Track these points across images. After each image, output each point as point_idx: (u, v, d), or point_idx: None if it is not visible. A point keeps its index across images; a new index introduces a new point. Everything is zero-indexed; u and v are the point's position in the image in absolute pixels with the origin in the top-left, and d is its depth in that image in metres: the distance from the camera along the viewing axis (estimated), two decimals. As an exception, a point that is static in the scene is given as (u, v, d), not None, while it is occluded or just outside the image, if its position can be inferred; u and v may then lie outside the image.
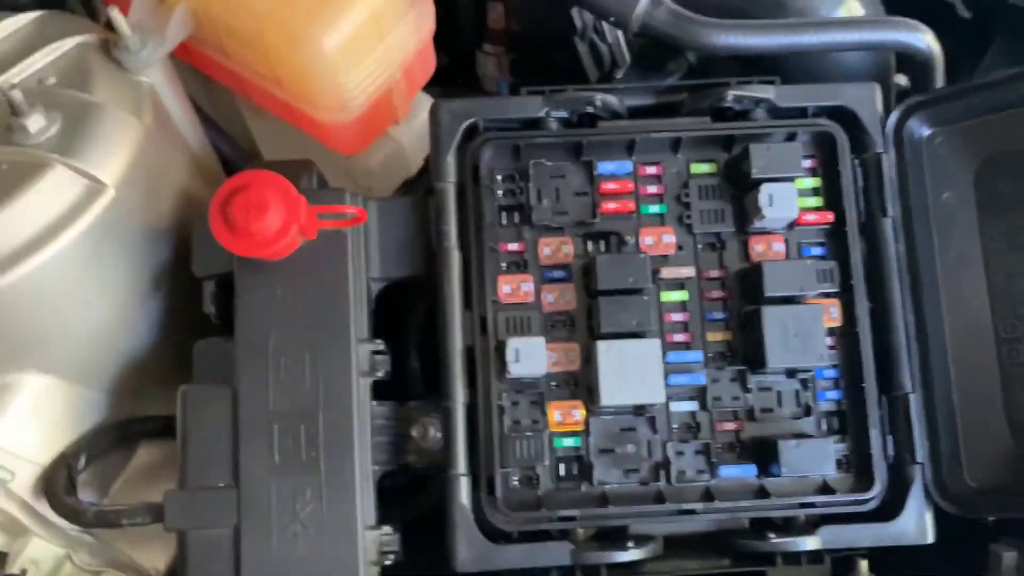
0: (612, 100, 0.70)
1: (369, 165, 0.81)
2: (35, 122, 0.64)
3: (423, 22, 0.74)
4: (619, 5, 0.69)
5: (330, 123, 0.73)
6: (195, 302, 0.69)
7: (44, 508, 0.69)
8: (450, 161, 0.68)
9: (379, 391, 0.69)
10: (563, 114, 0.70)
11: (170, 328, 0.73)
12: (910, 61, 0.72)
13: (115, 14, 0.69)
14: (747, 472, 0.67)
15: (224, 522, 0.64)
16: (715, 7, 0.83)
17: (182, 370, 0.69)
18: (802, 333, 0.66)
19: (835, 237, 0.70)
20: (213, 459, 0.65)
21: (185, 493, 0.64)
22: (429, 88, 1.05)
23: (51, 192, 0.64)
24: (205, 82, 0.84)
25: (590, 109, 0.70)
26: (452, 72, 1.03)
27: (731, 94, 0.68)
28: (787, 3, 0.80)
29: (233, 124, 0.87)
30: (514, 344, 0.66)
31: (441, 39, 0.80)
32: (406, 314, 0.77)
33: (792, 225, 0.70)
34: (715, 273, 0.70)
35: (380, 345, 0.68)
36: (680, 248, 0.70)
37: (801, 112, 0.71)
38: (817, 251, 0.70)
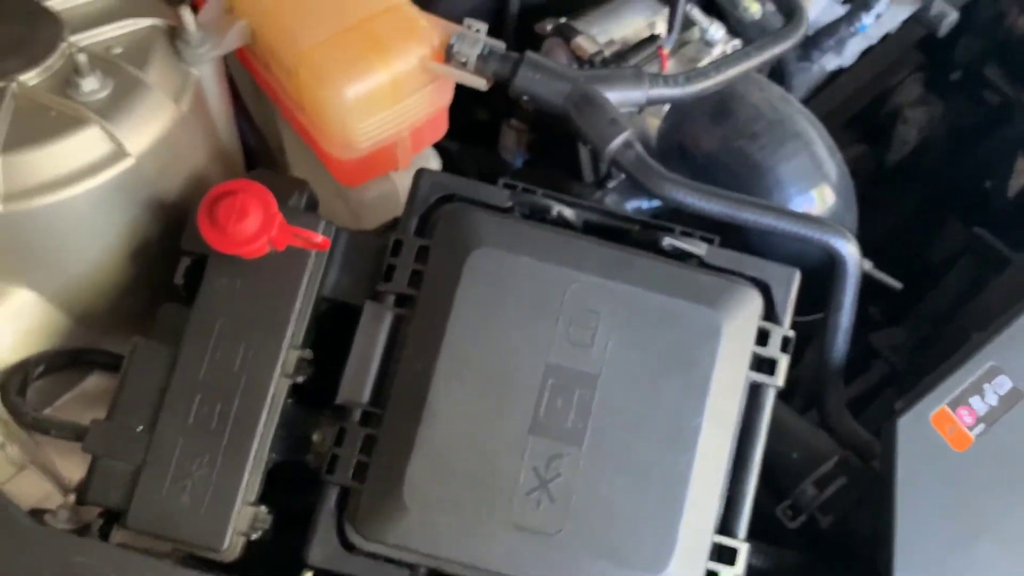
0: (568, 213, 0.80)
1: (363, 197, 0.91)
2: (89, 83, 0.76)
3: (439, 97, 0.85)
4: (599, 138, 0.79)
5: (334, 157, 0.84)
6: (174, 271, 0.80)
7: (-5, 400, 0.80)
8: (415, 222, 0.79)
9: (309, 394, 0.79)
10: (526, 210, 0.80)
11: (147, 284, 0.84)
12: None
13: (186, 11, 0.81)
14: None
15: (131, 458, 0.74)
16: (704, 154, 0.94)
17: (145, 321, 0.80)
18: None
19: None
20: (140, 405, 0.75)
21: (107, 424, 0.75)
22: (454, 139, 1.16)
23: (82, 146, 0.75)
24: (256, 83, 0.96)
25: (549, 215, 0.80)
26: (486, 128, 1.14)
27: (668, 242, 0.78)
28: (764, 170, 0.90)
29: (270, 125, 0.99)
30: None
31: (485, 98, 0.89)
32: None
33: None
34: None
35: (308, 354, 0.78)
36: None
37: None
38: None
